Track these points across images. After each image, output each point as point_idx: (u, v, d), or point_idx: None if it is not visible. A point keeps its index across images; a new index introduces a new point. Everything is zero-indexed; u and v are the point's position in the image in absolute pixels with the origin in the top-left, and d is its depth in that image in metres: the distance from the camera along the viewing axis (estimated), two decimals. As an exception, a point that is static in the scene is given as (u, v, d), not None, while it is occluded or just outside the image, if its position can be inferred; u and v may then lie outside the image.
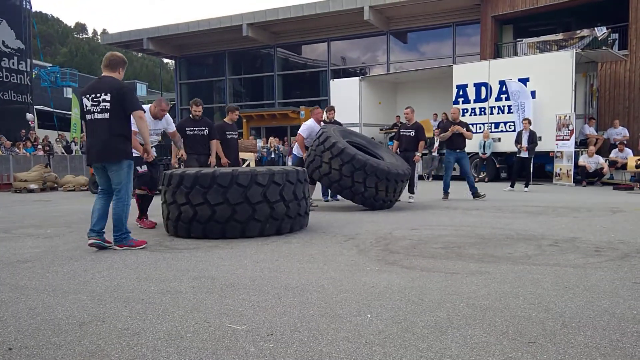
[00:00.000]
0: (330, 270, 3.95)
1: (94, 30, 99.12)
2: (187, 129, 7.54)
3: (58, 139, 22.25)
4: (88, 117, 4.83)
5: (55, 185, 15.30)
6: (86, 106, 4.81)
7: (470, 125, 11.29)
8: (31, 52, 24.94)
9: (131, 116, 4.85)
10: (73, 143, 22.39)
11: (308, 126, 8.83)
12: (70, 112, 24.79)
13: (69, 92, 34.79)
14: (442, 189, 10.05)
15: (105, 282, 3.64)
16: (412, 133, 9.43)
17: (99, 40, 67.19)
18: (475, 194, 9.74)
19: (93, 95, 4.76)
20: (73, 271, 4.02)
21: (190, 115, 7.69)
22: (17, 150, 18.46)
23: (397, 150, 9.68)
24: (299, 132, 8.96)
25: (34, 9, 29.82)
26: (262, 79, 28.19)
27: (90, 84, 4.97)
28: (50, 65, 37.89)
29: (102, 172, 4.95)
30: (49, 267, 4.19)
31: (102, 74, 4.90)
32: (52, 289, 3.49)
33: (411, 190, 9.56)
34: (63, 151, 20.64)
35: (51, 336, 2.58)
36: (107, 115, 4.72)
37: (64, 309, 3.02)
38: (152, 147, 5.79)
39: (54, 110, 26.55)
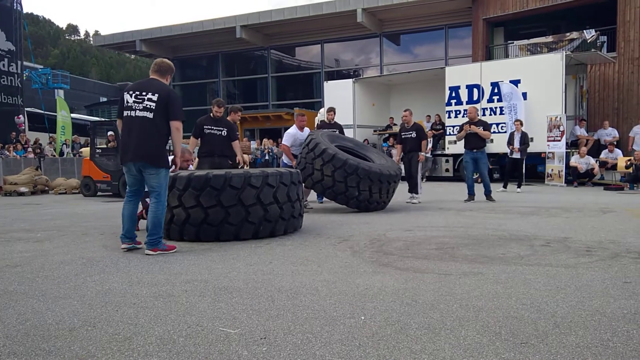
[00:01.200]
0: (324, 272, 3.94)
1: (86, 31, 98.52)
2: (205, 127, 7.30)
3: (50, 142, 22.12)
4: (127, 113, 4.72)
5: (46, 188, 15.19)
6: (127, 102, 4.72)
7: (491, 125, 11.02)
8: (22, 54, 24.77)
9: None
10: (65, 145, 22.25)
11: (291, 134, 8.73)
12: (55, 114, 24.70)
13: (60, 94, 34.61)
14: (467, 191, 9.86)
15: (97, 287, 3.62)
16: (414, 134, 9.45)
17: (91, 42, 66.91)
18: (489, 196, 9.71)
19: (137, 93, 4.70)
20: (64, 275, 3.99)
21: (211, 115, 7.42)
22: (7, 153, 18.32)
23: (402, 153, 9.68)
24: (282, 142, 8.89)
25: (25, 10, 29.65)
26: (255, 80, 28.20)
27: (136, 82, 4.94)
28: (42, 67, 37.68)
29: (134, 173, 4.83)
30: (38, 271, 4.16)
31: (150, 77, 4.88)
32: (41, 293, 3.46)
33: (416, 191, 9.55)
34: (54, 153, 20.50)
35: (40, 342, 2.55)
36: (150, 115, 4.65)
37: (53, 314, 2.99)
38: None
39: (45, 112, 26.37)
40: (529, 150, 12.67)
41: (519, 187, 12.10)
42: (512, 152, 12.16)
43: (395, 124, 18.58)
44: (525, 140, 12.09)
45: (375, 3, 21.59)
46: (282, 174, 5.68)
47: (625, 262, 4.11)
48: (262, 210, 5.44)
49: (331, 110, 9.99)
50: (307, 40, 25.88)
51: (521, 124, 12.33)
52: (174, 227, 5.44)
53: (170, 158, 4.99)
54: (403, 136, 9.65)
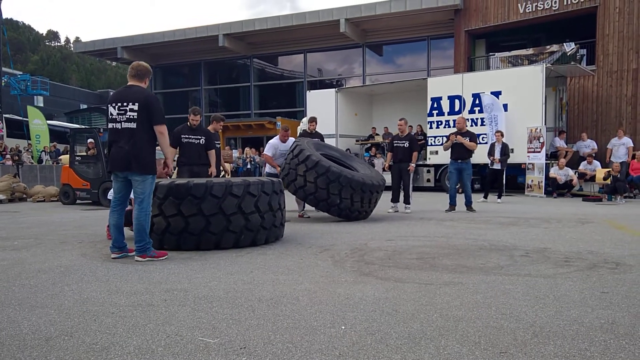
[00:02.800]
0: (305, 281, 3.93)
1: (67, 38, 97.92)
2: (182, 136, 7.32)
3: (28, 149, 21.81)
4: (112, 125, 4.85)
5: (24, 195, 14.94)
6: (112, 115, 4.84)
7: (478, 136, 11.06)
8: (1, 60, 24.42)
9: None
10: (43, 152, 21.95)
11: (272, 145, 8.75)
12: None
13: (39, 101, 34.13)
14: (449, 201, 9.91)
15: (74, 296, 3.56)
16: (407, 144, 9.51)
17: (72, 48, 66.29)
18: (469, 207, 9.76)
19: (120, 104, 4.80)
20: (41, 284, 3.92)
21: (188, 124, 7.44)
22: (-15, 160, 18.00)
23: (391, 162, 9.71)
24: (264, 152, 8.91)
25: (4, 16, 29.25)
26: (238, 89, 28.14)
27: (117, 92, 5.01)
28: (21, 73, 37.18)
29: (121, 179, 4.94)
30: (15, 280, 4.08)
31: (129, 83, 4.95)
32: (18, 302, 3.40)
33: (407, 201, 9.60)
34: (31, 160, 20.19)
35: (16, 352, 2.50)
36: (133, 125, 4.76)
37: (30, 324, 2.93)
38: None
39: (24, 119, 25.99)
40: (510, 161, 12.85)
41: (499, 197, 12.23)
42: (492, 163, 12.33)
43: (377, 134, 18.68)
44: (505, 151, 12.28)
45: (358, 13, 21.76)
46: (264, 182, 5.66)
47: (603, 272, 4.17)
48: (244, 220, 5.42)
49: (313, 120, 10.03)
50: (290, 49, 25.94)
51: (502, 135, 12.52)
52: (154, 236, 5.38)
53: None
54: (395, 144, 9.67)
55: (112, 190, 5.16)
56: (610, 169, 13.04)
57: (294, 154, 7.92)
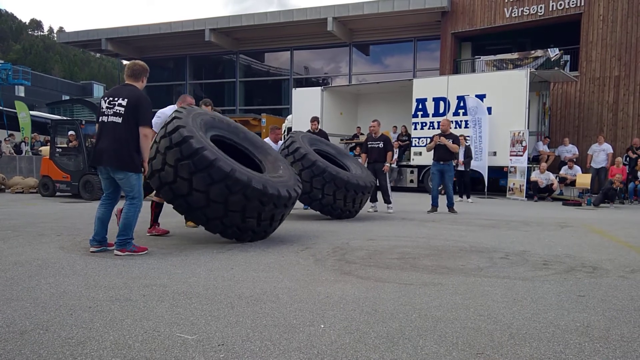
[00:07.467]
0: (286, 279, 3.93)
1: (50, 27, 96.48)
2: None
3: (8, 139, 21.45)
4: (101, 118, 4.86)
5: (3, 186, 14.71)
6: (102, 108, 4.87)
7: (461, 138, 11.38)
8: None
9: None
10: (23, 143, 21.62)
11: None
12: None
13: (20, 90, 33.56)
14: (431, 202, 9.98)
15: (51, 289, 3.51)
16: (381, 145, 9.58)
17: (55, 39, 65.32)
18: (451, 209, 9.81)
19: (111, 99, 4.82)
20: (17, 277, 3.86)
21: None
22: (-37, 149, 17.67)
23: (366, 162, 9.76)
24: None
25: (-14, 4, 28.75)
26: (223, 84, 27.98)
27: (112, 88, 5.11)
28: (2, 61, 36.56)
29: (106, 176, 4.90)
30: (-9, 272, 4.01)
31: (125, 82, 4.97)
32: (-7, 295, 3.34)
33: (387, 201, 9.66)
34: (12, 151, 19.87)
35: (-11, 345, 2.46)
36: (119, 120, 4.74)
37: (4, 317, 2.89)
38: None
39: (4, 109, 25.55)
40: (492, 164, 13.05)
41: (460, 196, 12.71)
42: (457, 165, 12.66)
43: (362, 134, 18.71)
44: (468, 153, 12.72)
45: (346, 12, 21.77)
46: (280, 196, 5.39)
47: (580, 276, 4.23)
48: (240, 220, 5.30)
49: (315, 119, 10.11)
50: (276, 46, 25.85)
51: (465, 139, 12.93)
52: (156, 178, 5.21)
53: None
54: (369, 146, 9.74)
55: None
56: (615, 181, 12.71)
57: (285, 145, 8.03)
